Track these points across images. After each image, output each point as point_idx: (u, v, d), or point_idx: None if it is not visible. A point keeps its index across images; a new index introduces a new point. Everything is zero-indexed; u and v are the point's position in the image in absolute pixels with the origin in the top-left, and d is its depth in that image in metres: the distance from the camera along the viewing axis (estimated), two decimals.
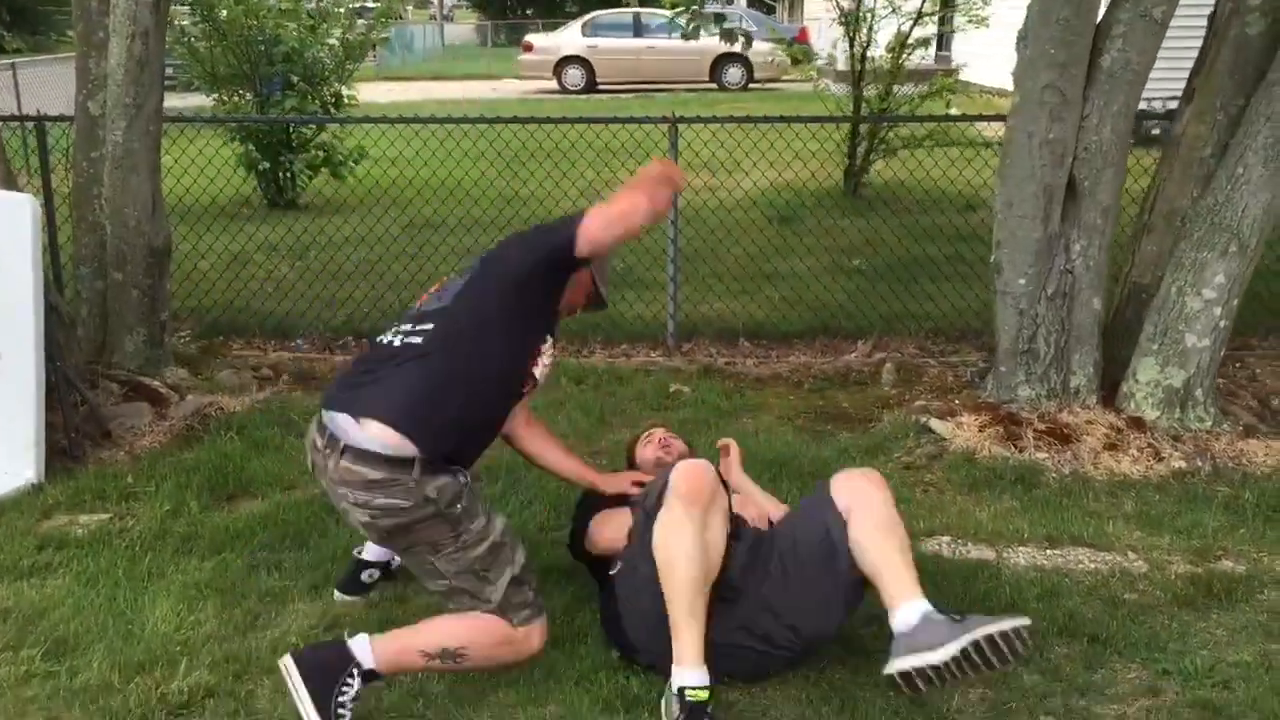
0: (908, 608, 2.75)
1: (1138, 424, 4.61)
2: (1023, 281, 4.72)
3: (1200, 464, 4.39)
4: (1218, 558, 3.72)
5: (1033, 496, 4.19)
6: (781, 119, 6.30)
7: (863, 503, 2.97)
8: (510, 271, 2.93)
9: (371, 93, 22.12)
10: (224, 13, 10.30)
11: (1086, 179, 4.63)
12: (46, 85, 14.26)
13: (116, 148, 4.92)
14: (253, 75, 10.68)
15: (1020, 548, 3.80)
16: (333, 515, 4.02)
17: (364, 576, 3.48)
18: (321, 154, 10.79)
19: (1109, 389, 4.83)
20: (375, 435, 2.69)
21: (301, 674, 2.74)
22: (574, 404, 5.26)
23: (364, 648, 2.80)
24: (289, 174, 10.70)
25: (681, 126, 6.17)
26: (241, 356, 6.00)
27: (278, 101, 10.72)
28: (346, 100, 11.59)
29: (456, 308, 2.90)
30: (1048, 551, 3.78)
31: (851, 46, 10.39)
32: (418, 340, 2.85)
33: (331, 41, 11.14)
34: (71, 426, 4.47)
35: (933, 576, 3.40)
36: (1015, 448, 4.51)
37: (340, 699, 2.73)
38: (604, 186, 7.58)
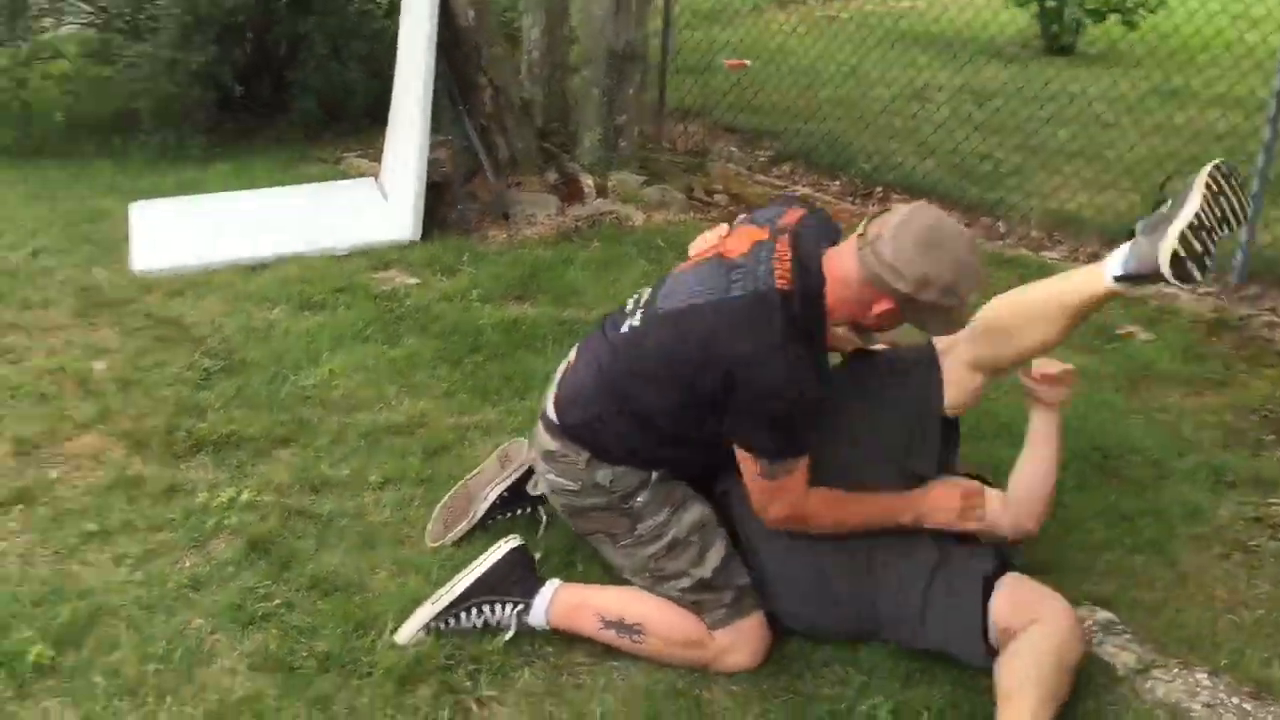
0: None
1: None
2: None
3: None
4: None
5: None
6: None
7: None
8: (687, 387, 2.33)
9: None
10: None
11: None
12: None
13: None
14: None
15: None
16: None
17: (529, 485, 2.86)
18: None
19: None
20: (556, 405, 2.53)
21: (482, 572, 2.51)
22: None
23: (549, 592, 2.48)
24: (1071, 18, 9.68)
25: None
26: (742, 180, 5.81)
27: None
28: None
29: (635, 342, 2.43)
30: None
31: None
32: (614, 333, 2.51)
33: None
34: (464, 198, 4.81)
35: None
36: None
37: (480, 611, 2.46)
38: None
